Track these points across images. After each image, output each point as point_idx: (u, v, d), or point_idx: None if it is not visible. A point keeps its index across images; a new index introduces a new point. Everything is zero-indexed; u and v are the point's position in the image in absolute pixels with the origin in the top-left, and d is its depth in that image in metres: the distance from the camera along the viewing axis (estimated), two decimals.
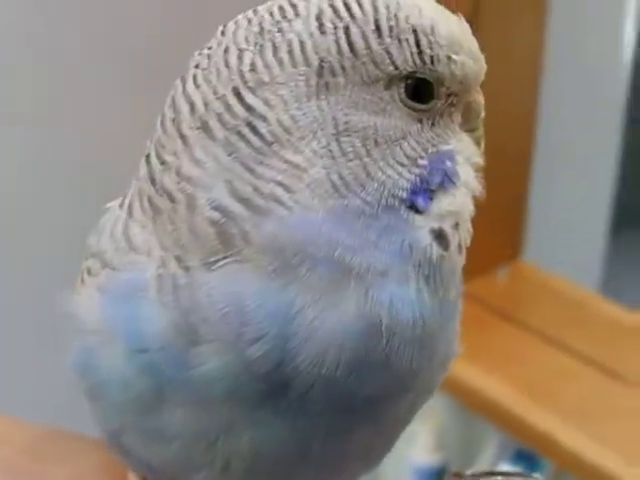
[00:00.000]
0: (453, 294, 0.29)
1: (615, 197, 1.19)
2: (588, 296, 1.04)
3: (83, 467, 0.38)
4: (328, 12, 0.27)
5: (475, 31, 0.29)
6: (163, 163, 0.28)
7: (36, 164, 0.86)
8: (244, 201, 0.26)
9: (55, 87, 0.84)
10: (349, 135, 0.26)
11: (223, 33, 0.28)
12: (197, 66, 0.28)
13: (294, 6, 0.27)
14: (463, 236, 0.29)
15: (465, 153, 0.29)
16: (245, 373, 0.27)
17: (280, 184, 0.26)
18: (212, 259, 0.26)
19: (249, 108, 0.26)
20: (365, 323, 0.27)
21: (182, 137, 0.27)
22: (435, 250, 0.28)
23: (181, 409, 0.28)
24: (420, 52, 0.27)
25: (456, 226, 0.28)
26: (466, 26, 0.29)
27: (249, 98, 0.26)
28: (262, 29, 0.27)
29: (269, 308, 0.26)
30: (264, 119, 0.26)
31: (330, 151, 0.26)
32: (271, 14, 0.27)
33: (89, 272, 0.30)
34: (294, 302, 0.26)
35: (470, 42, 0.28)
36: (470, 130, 0.30)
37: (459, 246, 0.29)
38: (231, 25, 0.28)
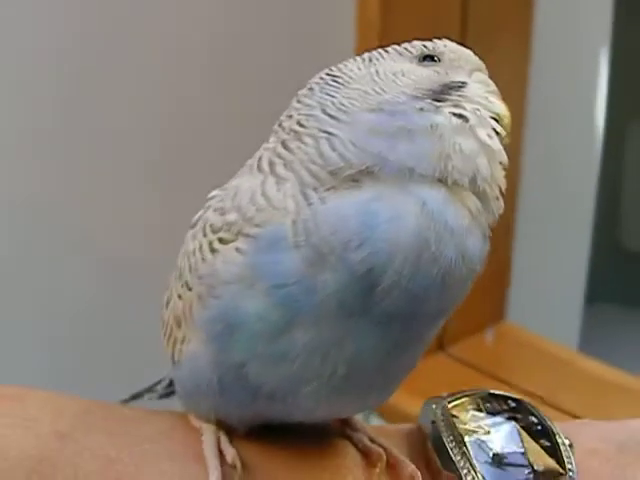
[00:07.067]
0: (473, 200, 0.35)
1: (588, 272, 1.28)
2: (573, 355, 1.08)
3: (161, 425, 0.40)
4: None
5: None
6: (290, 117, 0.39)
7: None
8: (332, 117, 0.37)
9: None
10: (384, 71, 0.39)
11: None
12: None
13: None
14: (485, 123, 0.36)
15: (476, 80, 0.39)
16: (352, 282, 0.34)
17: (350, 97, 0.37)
18: (322, 189, 0.35)
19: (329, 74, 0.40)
20: (421, 236, 0.34)
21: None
22: (454, 120, 0.36)
23: (305, 330, 0.34)
24: (425, 46, 0.40)
25: (476, 112, 0.36)
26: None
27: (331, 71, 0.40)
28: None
29: (364, 221, 0.34)
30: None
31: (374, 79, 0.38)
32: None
33: (221, 241, 0.36)
34: (378, 213, 0.34)
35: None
36: None
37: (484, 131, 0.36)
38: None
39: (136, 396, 0.50)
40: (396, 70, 0.38)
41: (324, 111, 0.37)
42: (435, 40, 0.40)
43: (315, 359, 0.35)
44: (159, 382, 0.48)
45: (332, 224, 0.34)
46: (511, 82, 1.03)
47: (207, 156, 0.96)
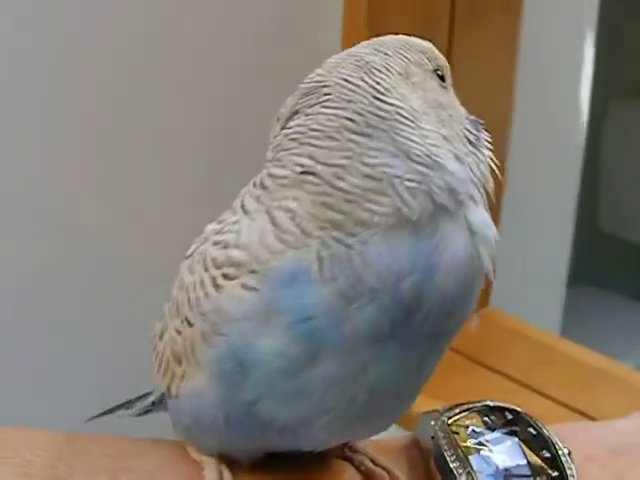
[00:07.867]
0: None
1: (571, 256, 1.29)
2: (556, 340, 1.09)
3: (159, 457, 0.39)
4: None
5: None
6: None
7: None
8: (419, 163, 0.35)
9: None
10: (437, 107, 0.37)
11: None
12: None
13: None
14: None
15: None
16: (395, 308, 0.33)
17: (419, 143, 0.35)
18: (362, 233, 0.33)
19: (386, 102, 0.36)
20: (469, 255, 0.34)
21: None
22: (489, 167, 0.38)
23: (326, 363, 0.33)
24: (430, 62, 0.39)
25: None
26: None
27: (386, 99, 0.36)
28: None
29: (417, 259, 0.33)
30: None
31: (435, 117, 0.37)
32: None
33: (226, 277, 0.35)
34: (431, 250, 0.33)
35: None
36: None
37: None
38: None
39: (109, 412, 0.48)
40: (443, 103, 0.37)
41: (408, 156, 0.34)
42: (435, 51, 0.39)
43: (334, 390, 0.34)
44: (140, 398, 0.46)
45: (380, 254, 0.33)
46: (499, 63, 1.03)
47: (190, 144, 0.95)
